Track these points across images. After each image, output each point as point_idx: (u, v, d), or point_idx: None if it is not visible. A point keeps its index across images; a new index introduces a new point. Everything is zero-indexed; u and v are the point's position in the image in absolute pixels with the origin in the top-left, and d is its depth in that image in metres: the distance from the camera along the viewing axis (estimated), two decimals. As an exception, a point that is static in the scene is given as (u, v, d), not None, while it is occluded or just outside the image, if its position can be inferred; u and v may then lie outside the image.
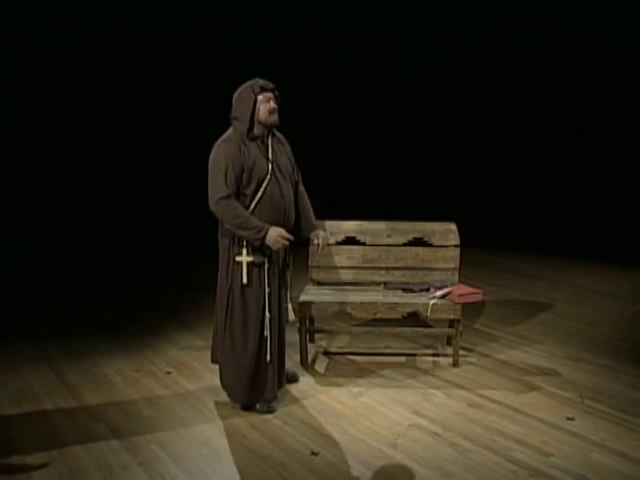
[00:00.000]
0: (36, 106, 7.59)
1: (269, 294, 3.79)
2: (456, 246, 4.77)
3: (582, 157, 8.35)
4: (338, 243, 4.83)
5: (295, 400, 4.00)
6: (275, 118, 3.81)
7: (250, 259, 3.74)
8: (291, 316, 4.05)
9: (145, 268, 7.55)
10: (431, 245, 4.79)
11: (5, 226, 7.11)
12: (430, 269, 4.78)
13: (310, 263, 4.85)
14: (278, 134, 4.01)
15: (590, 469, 3.20)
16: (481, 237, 7.85)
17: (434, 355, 4.77)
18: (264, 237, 3.66)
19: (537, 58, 8.56)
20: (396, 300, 4.48)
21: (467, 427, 3.64)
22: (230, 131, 3.84)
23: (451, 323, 4.66)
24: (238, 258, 3.75)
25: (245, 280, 3.73)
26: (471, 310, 5.41)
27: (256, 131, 3.80)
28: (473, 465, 3.25)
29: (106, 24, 7.82)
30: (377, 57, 9.26)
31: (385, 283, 4.80)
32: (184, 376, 4.42)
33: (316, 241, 4.09)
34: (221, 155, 3.71)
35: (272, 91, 3.84)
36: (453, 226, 4.84)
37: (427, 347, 4.92)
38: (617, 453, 3.35)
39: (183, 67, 8.41)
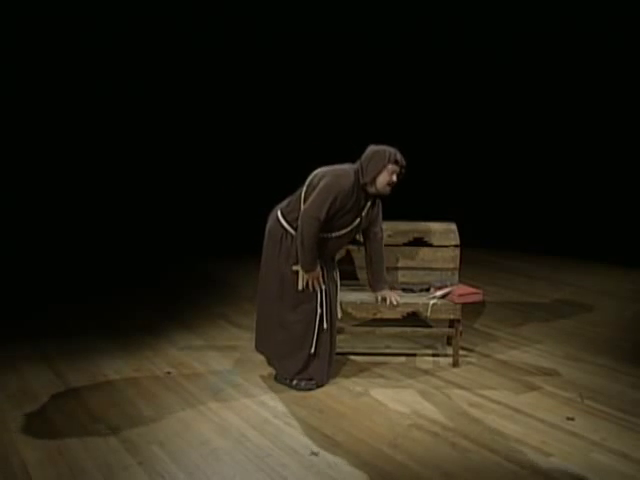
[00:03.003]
0: (35, 104, 7.59)
1: (326, 292, 4.10)
2: (456, 246, 4.76)
3: (582, 157, 8.36)
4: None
5: (295, 400, 4.00)
6: (388, 191, 4.09)
7: None
8: (339, 313, 4.31)
9: (144, 268, 7.55)
10: (431, 245, 4.79)
11: (5, 226, 7.11)
12: (430, 269, 4.78)
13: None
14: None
15: (590, 469, 3.20)
16: (481, 237, 7.85)
17: (434, 355, 4.77)
18: (309, 269, 3.97)
19: (537, 58, 8.56)
20: (396, 300, 4.48)
21: (467, 427, 3.64)
22: (352, 170, 4.04)
23: (451, 323, 4.66)
24: (295, 267, 4.03)
25: (301, 287, 4.03)
26: (471, 310, 5.41)
27: (369, 190, 4.06)
28: (473, 465, 3.24)
29: (106, 25, 7.84)
30: (377, 57, 9.25)
31: (385, 283, 4.80)
32: (184, 376, 4.41)
33: (379, 298, 4.38)
34: (338, 187, 3.94)
35: (401, 167, 4.06)
36: (453, 226, 4.84)
37: (427, 347, 4.92)
38: (617, 453, 3.36)
39: (182, 67, 8.41)
